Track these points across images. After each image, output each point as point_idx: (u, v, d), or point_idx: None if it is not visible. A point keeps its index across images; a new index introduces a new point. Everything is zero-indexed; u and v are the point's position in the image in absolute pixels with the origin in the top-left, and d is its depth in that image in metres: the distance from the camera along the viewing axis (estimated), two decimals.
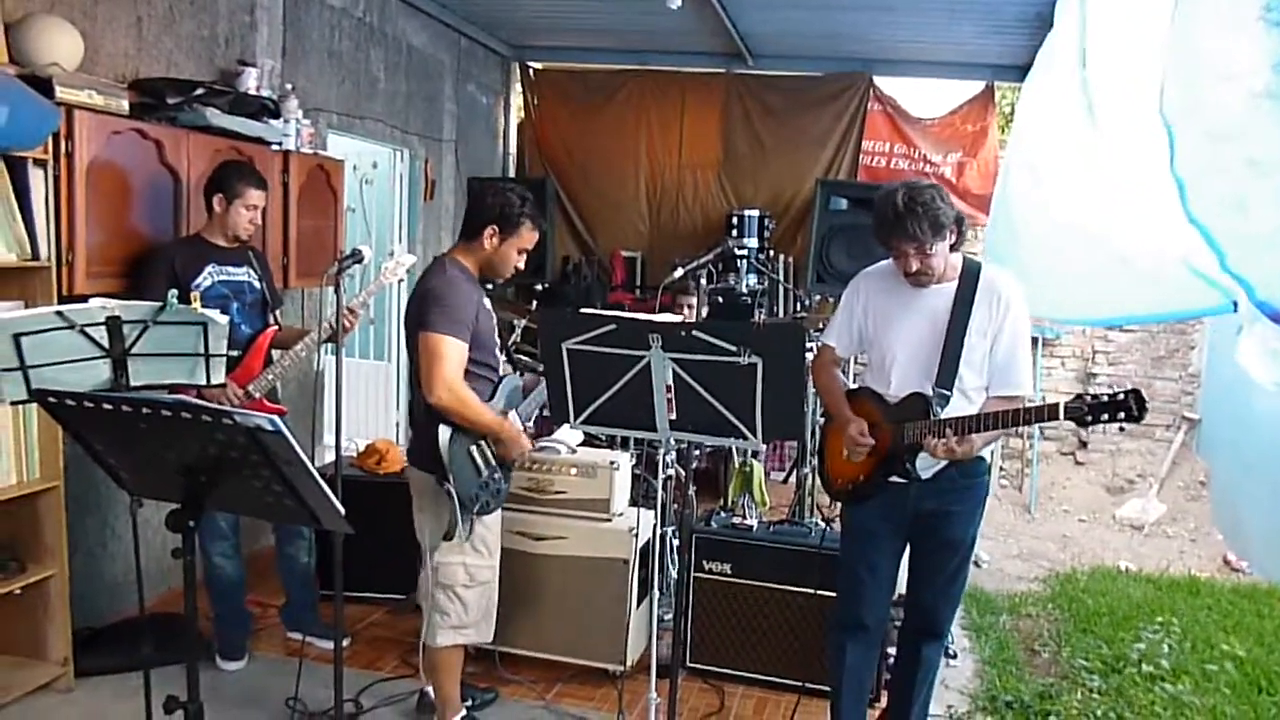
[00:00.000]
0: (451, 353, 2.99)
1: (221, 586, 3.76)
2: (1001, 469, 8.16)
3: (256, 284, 3.73)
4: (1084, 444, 8.64)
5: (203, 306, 3.22)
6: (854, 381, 3.28)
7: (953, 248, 2.85)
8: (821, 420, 3.49)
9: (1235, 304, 3.01)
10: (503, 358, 3.31)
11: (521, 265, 3.24)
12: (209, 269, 3.58)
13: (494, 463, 3.15)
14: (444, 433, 3.02)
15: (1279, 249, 1.84)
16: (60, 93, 3.28)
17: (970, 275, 2.88)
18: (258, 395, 3.58)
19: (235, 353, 3.46)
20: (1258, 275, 1.90)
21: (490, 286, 3.29)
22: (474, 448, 3.10)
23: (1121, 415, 2.52)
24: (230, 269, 3.65)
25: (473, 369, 3.11)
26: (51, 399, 2.02)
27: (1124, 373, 8.49)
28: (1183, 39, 2.02)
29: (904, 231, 2.74)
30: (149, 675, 2.66)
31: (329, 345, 3.44)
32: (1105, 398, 2.54)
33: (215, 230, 3.64)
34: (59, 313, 2.59)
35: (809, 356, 3.40)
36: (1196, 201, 1.93)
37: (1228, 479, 7.68)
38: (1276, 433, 6.41)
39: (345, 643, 3.37)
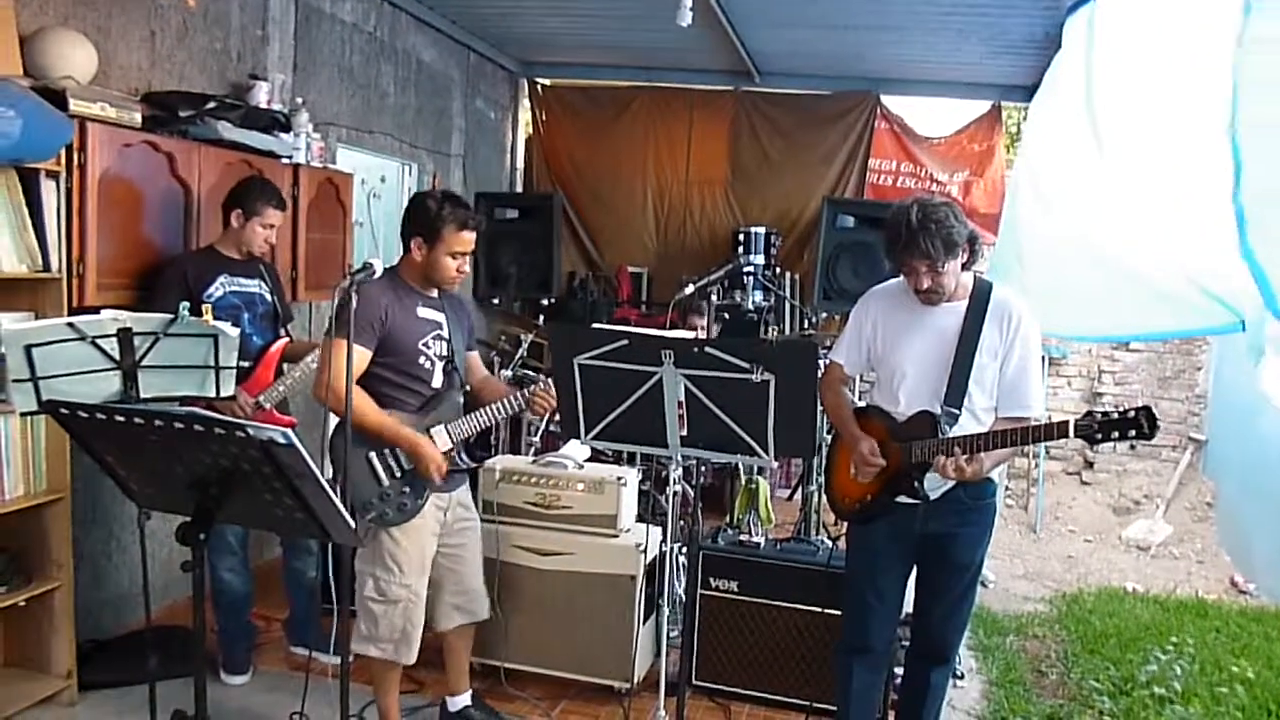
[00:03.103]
0: (336, 356, 2.84)
1: (228, 601, 3.74)
2: (1007, 488, 8.14)
3: (268, 296, 3.74)
4: (1090, 464, 8.62)
5: (214, 317, 3.21)
6: (860, 399, 3.26)
7: (965, 266, 2.82)
8: (829, 438, 3.48)
9: (1243, 323, 2.99)
10: (439, 366, 3.12)
11: (467, 269, 3.08)
12: (221, 279, 3.59)
13: (400, 475, 3.05)
14: (339, 434, 2.89)
15: None
16: (73, 105, 3.29)
17: (981, 295, 2.85)
18: (268, 406, 3.59)
19: (246, 364, 3.47)
20: None
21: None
22: (375, 454, 3.01)
23: (1132, 433, 2.48)
24: (242, 280, 3.66)
25: (387, 374, 3.01)
26: (63, 410, 2.02)
27: (1130, 393, 8.48)
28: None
29: (916, 249, 2.70)
30: (154, 688, 2.65)
31: None
32: (1116, 415, 2.50)
33: (229, 243, 3.65)
34: (70, 324, 2.60)
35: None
36: (1256, 234, 1.87)
37: (1235, 500, 7.66)
38: None
39: (350, 658, 3.36)
